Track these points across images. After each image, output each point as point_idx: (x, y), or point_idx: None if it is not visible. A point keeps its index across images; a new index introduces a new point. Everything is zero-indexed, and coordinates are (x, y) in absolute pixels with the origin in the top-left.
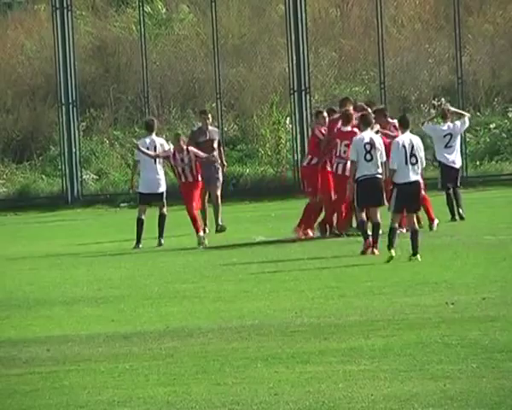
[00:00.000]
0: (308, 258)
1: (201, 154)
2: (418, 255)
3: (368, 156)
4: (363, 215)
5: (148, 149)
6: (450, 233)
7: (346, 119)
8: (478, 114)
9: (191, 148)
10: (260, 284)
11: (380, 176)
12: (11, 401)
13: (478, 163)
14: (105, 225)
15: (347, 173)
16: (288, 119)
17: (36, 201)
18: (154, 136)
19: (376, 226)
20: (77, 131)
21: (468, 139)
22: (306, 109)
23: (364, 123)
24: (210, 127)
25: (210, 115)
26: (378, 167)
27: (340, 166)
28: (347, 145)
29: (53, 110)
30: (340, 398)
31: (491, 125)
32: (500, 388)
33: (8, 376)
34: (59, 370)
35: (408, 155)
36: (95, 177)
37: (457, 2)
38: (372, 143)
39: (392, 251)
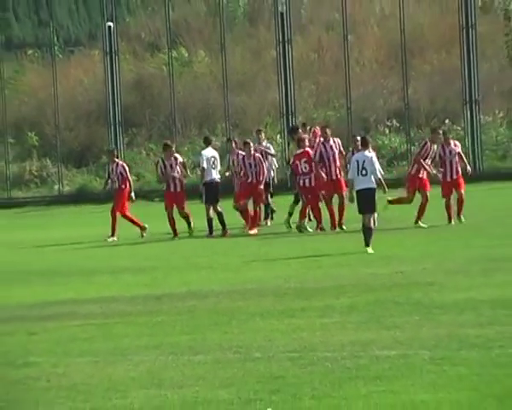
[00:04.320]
0: (295, 239)
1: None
2: (370, 248)
3: (213, 166)
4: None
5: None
6: (398, 222)
7: (299, 143)
8: (420, 131)
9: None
10: (258, 259)
11: (219, 181)
12: (73, 345)
13: None
14: (142, 215)
15: (313, 184)
16: (279, 135)
17: (91, 196)
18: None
19: (220, 215)
20: (121, 145)
21: (412, 149)
22: None
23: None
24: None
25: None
26: (217, 174)
27: (307, 181)
28: (306, 162)
29: (104, 129)
30: (318, 343)
31: None
32: (436, 335)
33: (71, 326)
34: (108, 322)
35: (360, 167)
36: (134, 178)
37: (404, 48)
38: (215, 157)
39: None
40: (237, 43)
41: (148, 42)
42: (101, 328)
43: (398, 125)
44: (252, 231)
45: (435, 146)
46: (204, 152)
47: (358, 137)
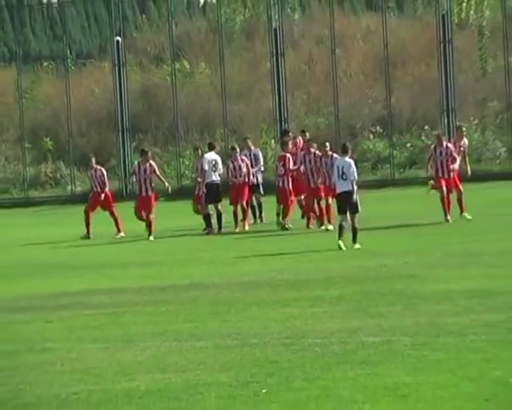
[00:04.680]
0: (288, 236)
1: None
2: (357, 244)
3: (213, 168)
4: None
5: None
6: (380, 220)
7: (282, 146)
8: (401, 137)
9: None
10: (255, 254)
11: (219, 182)
12: (85, 332)
13: (402, 170)
14: None
15: (285, 186)
16: (273, 140)
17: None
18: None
19: (220, 215)
20: (129, 149)
21: (395, 153)
22: None
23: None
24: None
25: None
26: (217, 176)
27: (281, 182)
28: (283, 165)
29: (113, 134)
30: (309, 330)
31: (411, 144)
32: (417, 323)
33: (83, 315)
34: (117, 311)
35: (340, 172)
36: None
37: (387, 61)
38: (216, 160)
39: (340, 241)
40: (235, 56)
41: (154, 55)
42: (110, 317)
43: (381, 131)
44: (246, 227)
45: (463, 140)
46: (206, 155)
47: (327, 143)
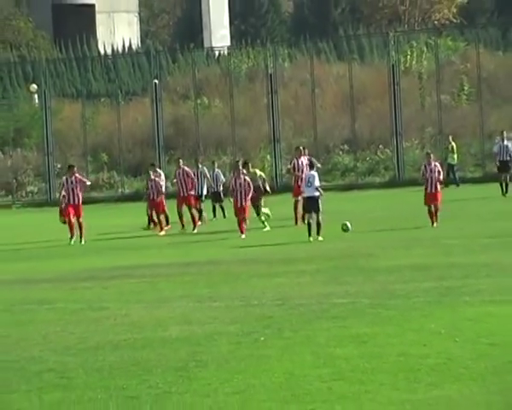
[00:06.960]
0: (279, 229)
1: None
2: (320, 237)
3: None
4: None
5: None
6: (347, 214)
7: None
8: (362, 153)
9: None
10: (255, 240)
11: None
12: (130, 296)
13: (363, 177)
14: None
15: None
16: (269, 155)
17: (143, 195)
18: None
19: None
20: (163, 162)
21: (358, 165)
22: (278, 151)
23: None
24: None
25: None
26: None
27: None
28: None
29: (152, 151)
30: (295, 294)
31: (369, 158)
32: (374, 289)
33: (130, 283)
34: (154, 281)
35: (307, 181)
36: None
37: (352, 98)
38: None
39: (311, 238)
40: (241, 93)
41: (181, 93)
42: (149, 284)
43: (348, 148)
44: (161, 233)
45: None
46: (163, 174)
47: (241, 165)
